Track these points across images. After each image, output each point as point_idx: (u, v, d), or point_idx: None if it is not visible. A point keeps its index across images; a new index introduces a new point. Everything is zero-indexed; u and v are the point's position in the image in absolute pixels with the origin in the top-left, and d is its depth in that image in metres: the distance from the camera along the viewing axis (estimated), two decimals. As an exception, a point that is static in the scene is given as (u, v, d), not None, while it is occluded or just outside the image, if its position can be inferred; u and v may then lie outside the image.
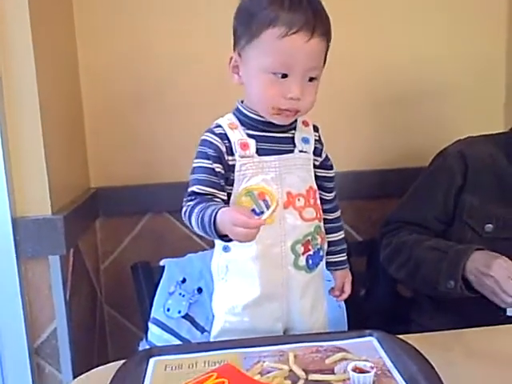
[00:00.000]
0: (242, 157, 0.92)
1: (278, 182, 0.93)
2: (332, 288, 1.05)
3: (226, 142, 0.92)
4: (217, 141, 0.92)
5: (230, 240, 0.85)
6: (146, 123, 1.53)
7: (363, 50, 1.57)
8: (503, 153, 1.27)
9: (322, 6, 0.90)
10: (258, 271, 0.93)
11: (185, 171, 1.52)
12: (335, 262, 1.05)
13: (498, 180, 1.25)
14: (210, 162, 0.91)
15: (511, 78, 1.65)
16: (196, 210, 0.87)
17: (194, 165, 0.93)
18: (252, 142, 0.92)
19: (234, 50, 0.94)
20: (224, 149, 0.91)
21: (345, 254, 1.06)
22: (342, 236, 1.06)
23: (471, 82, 1.65)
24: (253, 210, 0.91)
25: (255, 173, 0.92)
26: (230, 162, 0.92)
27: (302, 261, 0.95)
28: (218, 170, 0.91)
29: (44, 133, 1.17)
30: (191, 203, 0.89)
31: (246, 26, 0.89)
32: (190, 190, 0.91)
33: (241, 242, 0.83)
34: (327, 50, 0.92)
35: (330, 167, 1.03)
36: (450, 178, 1.28)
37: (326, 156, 1.02)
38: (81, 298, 1.36)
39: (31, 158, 1.17)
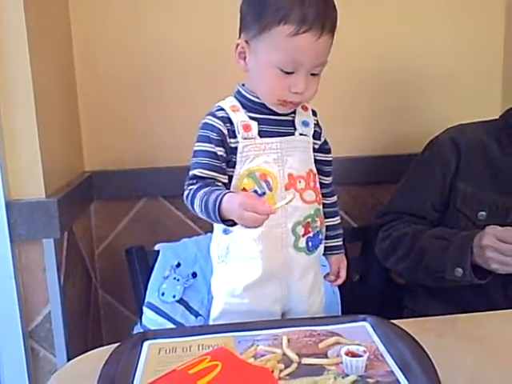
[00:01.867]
0: (245, 138, 0.92)
1: (279, 163, 0.94)
2: (327, 273, 1.06)
3: (228, 124, 0.93)
4: (219, 124, 0.92)
5: (234, 224, 0.86)
6: (141, 107, 1.52)
7: (358, 37, 1.55)
8: (494, 139, 1.27)
9: (332, 1, 0.90)
10: (259, 252, 0.94)
11: (180, 156, 1.53)
12: (331, 246, 1.05)
13: (490, 167, 1.25)
14: (212, 145, 0.91)
15: (508, 64, 1.64)
16: (199, 195, 0.88)
17: (196, 148, 0.93)
18: (254, 124, 0.93)
19: (240, 33, 0.93)
20: (226, 132, 0.92)
21: (341, 239, 1.07)
22: (339, 221, 1.07)
23: (467, 68, 1.64)
24: (254, 191, 0.92)
25: (257, 154, 0.93)
26: (233, 145, 0.93)
27: (302, 242, 0.96)
28: (220, 153, 0.92)
29: (38, 115, 1.16)
30: (193, 187, 0.90)
31: (257, 17, 0.89)
32: (191, 173, 0.91)
33: (247, 227, 0.84)
34: (331, 47, 0.92)
35: (329, 151, 1.04)
36: (444, 165, 1.28)
37: (325, 140, 1.04)
38: (75, 282, 1.36)
39: (25, 140, 1.16)
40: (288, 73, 0.89)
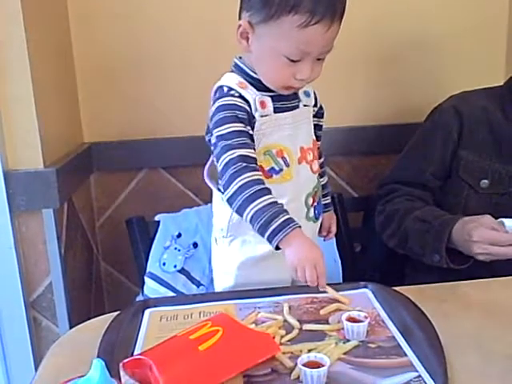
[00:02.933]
0: (262, 116, 0.90)
1: (292, 137, 0.94)
2: (319, 229, 1.06)
3: (246, 103, 0.90)
4: (242, 102, 0.89)
5: (276, 248, 0.83)
6: (140, 78, 1.50)
7: (359, 4, 1.51)
8: (498, 106, 1.25)
9: None
10: None
11: (180, 127, 1.52)
12: (323, 204, 1.06)
13: (493, 135, 1.23)
14: (244, 124, 0.88)
15: (513, 31, 1.61)
16: (260, 203, 0.82)
17: (227, 130, 0.87)
18: (269, 100, 0.92)
19: (241, 12, 0.90)
20: (249, 110, 0.89)
21: (329, 197, 1.09)
22: (327, 179, 1.09)
23: (470, 34, 1.60)
24: (272, 169, 0.91)
25: (273, 131, 0.91)
26: (252, 124, 0.90)
27: (311, 212, 0.98)
28: (250, 132, 0.89)
29: (34, 85, 1.14)
30: (247, 175, 0.83)
31: (265, 2, 0.84)
32: (238, 155, 0.84)
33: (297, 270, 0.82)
34: None
35: (322, 115, 1.05)
36: (446, 133, 1.26)
37: (321, 105, 1.04)
38: (76, 253, 1.35)
39: (22, 110, 1.14)
40: (294, 61, 0.86)
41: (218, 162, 0.88)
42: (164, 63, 1.49)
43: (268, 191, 0.84)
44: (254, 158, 0.87)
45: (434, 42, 1.60)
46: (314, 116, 1.02)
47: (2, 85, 1.13)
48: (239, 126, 0.87)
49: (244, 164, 0.84)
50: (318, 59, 0.89)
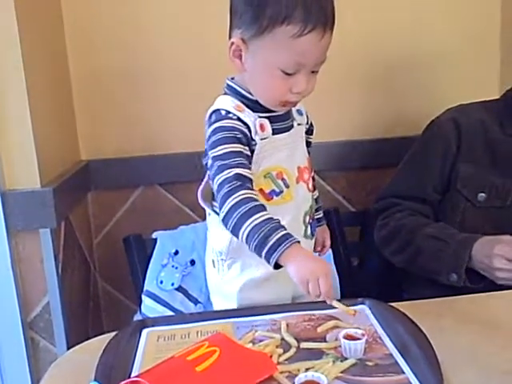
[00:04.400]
0: (262, 138, 0.90)
1: (291, 158, 0.94)
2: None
3: (245, 126, 0.89)
4: (240, 125, 0.88)
5: (279, 267, 0.81)
6: (136, 95, 1.51)
7: (353, 17, 1.53)
8: (495, 120, 1.26)
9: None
10: None
11: (176, 143, 1.53)
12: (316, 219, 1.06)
13: (491, 148, 1.24)
14: (242, 145, 0.87)
15: (506, 46, 1.63)
16: (254, 221, 0.81)
17: (224, 151, 0.85)
18: (267, 122, 0.91)
19: (232, 29, 0.89)
20: (249, 133, 0.89)
21: (322, 212, 1.09)
22: (317, 194, 1.08)
23: (466, 49, 1.62)
24: (272, 191, 0.91)
25: (272, 153, 0.91)
26: (252, 147, 0.90)
27: (309, 230, 0.98)
28: (248, 153, 0.88)
29: (31, 104, 1.15)
30: (242, 193, 0.82)
31: (257, 16, 0.84)
32: (234, 173, 0.83)
33: (303, 274, 0.79)
34: None
35: (312, 132, 1.05)
36: (445, 145, 1.26)
37: (311, 121, 1.04)
38: (73, 272, 1.35)
39: (18, 130, 1.15)
40: (289, 74, 0.86)
41: (213, 181, 0.87)
42: (160, 81, 1.50)
43: (263, 208, 0.83)
44: (250, 179, 0.86)
45: (429, 56, 1.62)
46: (306, 133, 1.02)
47: (-2, 105, 1.14)
48: (237, 147, 0.86)
49: (239, 182, 0.83)
50: (313, 71, 0.89)
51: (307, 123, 1.02)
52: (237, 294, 0.96)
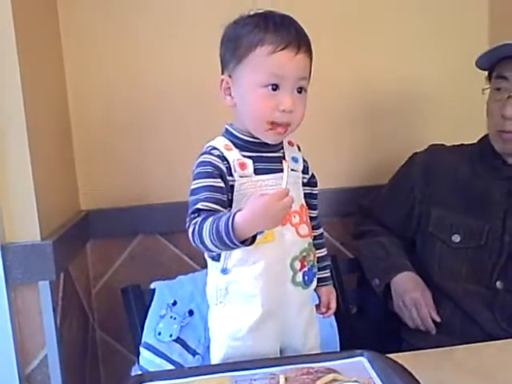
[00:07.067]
0: (241, 176, 0.93)
1: None
2: (317, 305, 1.05)
3: (225, 162, 0.92)
4: (217, 161, 0.92)
5: (252, 243, 0.86)
6: (135, 145, 1.54)
7: (340, 65, 1.59)
8: (468, 163, 1.31)
9: (301, 27, 0.94)
10: (259, 289, 0.93)
11: (175, 192, 1.55)
12: (320, 278, 1.05)
13: (462, 191, 1.28)
14: (212, 179, 0.90)
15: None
16: (207, 223, 0.86)
17: (195, 186, 0.91)
18: (249, 162, 0.94)
19: (223, 73, 0.97)
20: (224, 169, 0.92)
21: (329, 271, 1.08)
22: (326, 252, 1.08)
23: (453, 95, 1.66)
24: None
25: (254, 192, 0.92)
26: (230, 183, 0.92)
27: (299, 277, 0.96)
28: (220, 185, 0.91)
29: (32, 157, 1.17)
30: (197, 220, 0.87)
31: (234, 50, 0.93)
32: (193, 207, 0.89)
33: (277, 223, 0.87)
34: (311, 68, 0.95)
35: (315, 184, 1.06)
36: (409, 190, 1.36)
37: (312, 173, 1.05)
38: (72, 323, 1.35)
39: (19, 184, 1.16)
40: (274, 90, 0.90)
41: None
42: (158, 131, 1.54)
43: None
44: (213, 210, 0.88)
45: (419, 103, 1.66)
46: (306, 184, 1.03)
47: None
48: (207, 181, 0.90)
49: (201, 217, 0.87)
50: (299, 92, 0.92)
51: (306, 173, 1.03)
52: (225, 341, 0.96)
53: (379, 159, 1.68)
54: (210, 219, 0.86)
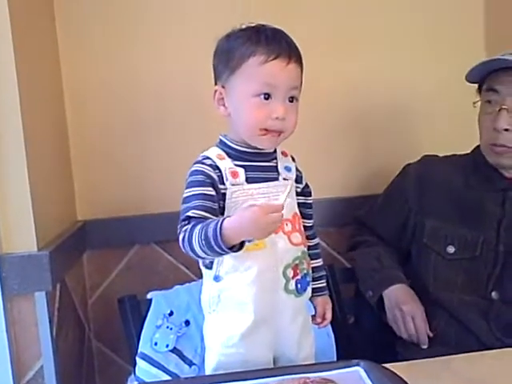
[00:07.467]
0: (233, 184, 0.94)
1: None
2: (313, 315, 1.05)
3: (217, 171, 0.94)
4: (208, 170, 0.94)
5: (240, 249, 0.87)
6: (131, 155, 1.54)
7: (336, 78, 1.60)
8: (461, 174, 1.31)
9: (292, 41, 0.96)
10: (252, 296, 0.93)
11: (171, 202, 1.54)
12: (316, 288, 1.06)
13: (456, 202, 1.28)
14: (203, 187, 0.92)
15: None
16: (196, 229, 0.87)
17: (186, 194, 0.93)
18: (241, 171, 0.95)
19: (216, 84, 0.99)
20: (216, 177, 0.94)
21: (324, 281, 1.09)
22: (321, 262, 1.09)
23: (446, 106, 1.67)
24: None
25: (245, 200, 0.94)
26: (222, 191, 0.94)
27: (292, 285, 0.97)
28: (211, 193, 0.92)
29: (29, 167, 1.17)
30: (188, 227, 0.89)
31: (227, 62, 0.95)
32: (184, 215, 0.91)
33: (266, 235, 0.87)
34: (302, 78, 0.97)
35: (309, 194, 1.07)
36: (403, 201, 1.36)
37: (306, 183, 1.06)
38: (68, 334, 1.34)
39: (16, 193, 1.16)
40: (266, 99, 0.92)
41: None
42: (155, 140, 1.54)
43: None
44: (203, 218, 0.90)
45: (413, 113, 1.67)
46: (300, 194, 1.04)
47: (-4, 169, 1.16)
48: (198, 190, 0.92)
49: (191, 224, 0.89)
50: (290, 101, 0.94)
51: (301, 183, 1.04)
52: (218, 348, 0.96)
53: (374, 169, 1.68)
54: (200, 226, 0.88)
